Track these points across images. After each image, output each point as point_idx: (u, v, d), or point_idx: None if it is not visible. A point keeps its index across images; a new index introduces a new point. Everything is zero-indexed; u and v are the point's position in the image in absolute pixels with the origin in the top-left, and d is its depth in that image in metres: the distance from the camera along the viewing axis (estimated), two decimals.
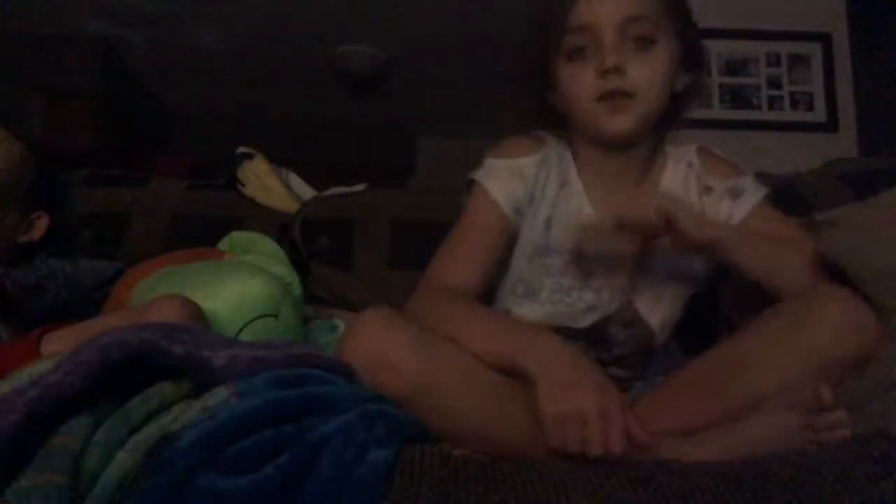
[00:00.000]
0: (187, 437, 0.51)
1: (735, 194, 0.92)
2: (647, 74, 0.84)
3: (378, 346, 0.68)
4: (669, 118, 0.92)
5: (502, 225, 0.91)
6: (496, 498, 0.51)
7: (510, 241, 0.93)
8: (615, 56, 0.83)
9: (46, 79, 3.11)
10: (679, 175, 0.95)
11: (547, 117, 0.95)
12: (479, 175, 0.94)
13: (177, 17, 3.13)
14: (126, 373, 0.58)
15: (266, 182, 1.48)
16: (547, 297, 0.93)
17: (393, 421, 0.58)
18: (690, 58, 0.90)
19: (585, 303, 0.92)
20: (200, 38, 3.32)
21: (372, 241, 1.36)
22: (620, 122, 0.85)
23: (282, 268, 1.03)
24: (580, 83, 0.86)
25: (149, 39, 3.32)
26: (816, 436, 0.65)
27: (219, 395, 0.57)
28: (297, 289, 1.04)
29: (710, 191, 0.94)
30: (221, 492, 0.48)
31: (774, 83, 2.02)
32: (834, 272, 0.84)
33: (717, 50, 2.02)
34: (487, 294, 0.94)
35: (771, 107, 2.02)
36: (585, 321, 0.92)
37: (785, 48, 2.03)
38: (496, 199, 0.91)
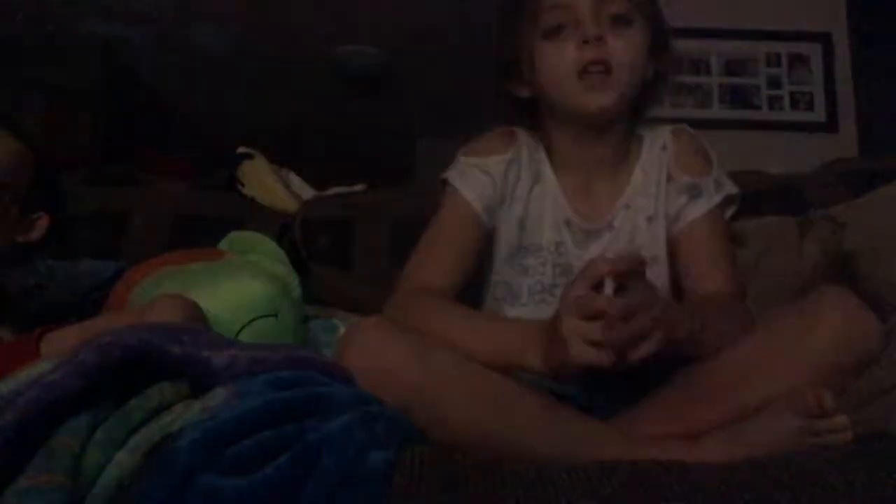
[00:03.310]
0: (187, 438, 0.51)
1: (693, 194, 0.92)
2: (625, 49, 0.85)
3: (377, 355, 0.67)
4: (640, 106, 0.93)
5: (475, 224, 0.92)
6: (496, 498, 0.51)
7: (485, 239, 0.93)
8: (595, 26, 0.83)
9: (46, 79, 3.11)
10: (654, 161, 0.94)
11: (520, 108, 0.95)
12: (451, 175, 0.94)
13: (177, 17, 3.13)
14: (126, 373, 0.58)
15: (266, 182, 1.48)
16: (528, 297, 0.92)
17: (393, 422, 0.58)
18: (659, 46, 0.91)
19: None
20: (200, 38, 3.32)
21: (372, 241, 1.36)
22: (600, 99, 0.86)
23: (281, 268, 1.03)
24: (560, 57, 0.86)
25: (149, 39, 3.32)
26: (818, 440, 0.65)
27: (219, 396, 0.57)
28: (296, 289, 1.04)
29: (670, 180, 0.94)
30: (221, 492, 0.48)
31: (774, 83, 2.02)
32: (841, 272, 0.84)
33: (717, 50, 2.02)
34: (473, 297, 0.94)
35: (771, 107, 2.02)
36: None
37: (785, 48, 2.03)
38: (467, 199, 0.91)
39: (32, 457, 0.48)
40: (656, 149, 0.95)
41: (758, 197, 1.33)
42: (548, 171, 0.95)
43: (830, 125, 2.00)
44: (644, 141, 0.96)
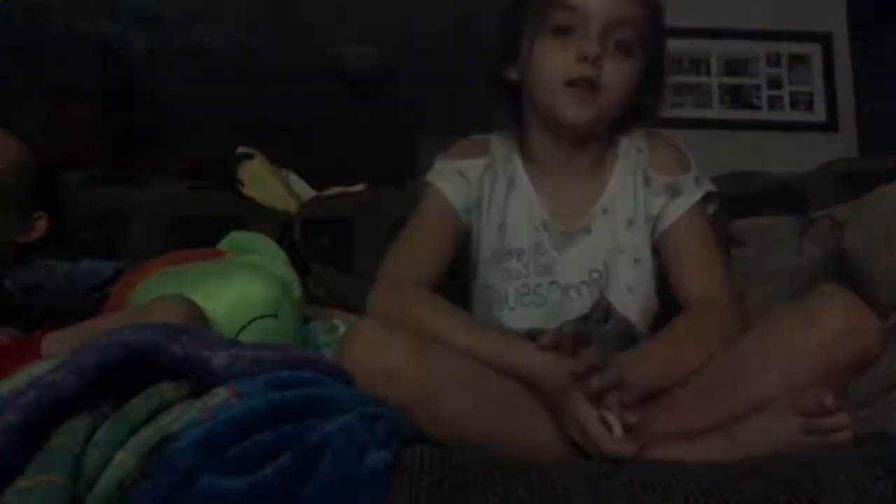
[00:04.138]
0: (187, 438, 0.51)
1: (673, 193, 0.92)
2: (617, 80, 0.86)
3: (375, 355, 0.68)
4: (623, 124, 0.94)
5: (454, 221, 0.94)
6: (496, 498, 0.51)
7: (463, 237, 0.95)
8: (598, 46, 0.84)
9: (46, 79, 3.11)
10: (629, 166, 0.95)
11: (505, 92, 0.96)
12: (430, 176, 0.97)
13: (177, 17, 3.13)
14: (126, 373, 0.58)
15: (266, 182, 1.48)
16: (515, 300, 0.92)
17: (393, 422, 0.58)
18: (651, 83, 0.92)
19: (553, 302, 0.92)
20: (200, 38, 3.32)
21: (372, 241, 1.36)
22: (578, 113, 0.87)
23: (282, 268, 1.03)
24: (556, 60, 0.86)
25: (149, 39, 3.32)
26: (818, 439, 0.65)
27: (219, 396, 0.57)
28: (297, 289, 1.04)
29: (648, 182, 0.94)
30: (221, 492, 0.48)
31: (774, 83, 2.02)
32: (841, 272, 0.84)
33: (717, 50, 2.02)
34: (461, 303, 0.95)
35: (771, 107, 2.01)
36: (562, 320, 0.91)
37: (785, 48, 2.02)
38: (447, 198, 0.94)
39: (32, 457, 0.48)
40: (632, 153, 0.95)
41: (758, 197, 1.33)
42: (522, 176, 0.96)
43: (830, 125, 2.00)
44: (620, 146, 0.96)
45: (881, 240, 0.89)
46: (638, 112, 0.93)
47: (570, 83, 0.85)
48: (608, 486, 0.52)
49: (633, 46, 0.86)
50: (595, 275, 0.92)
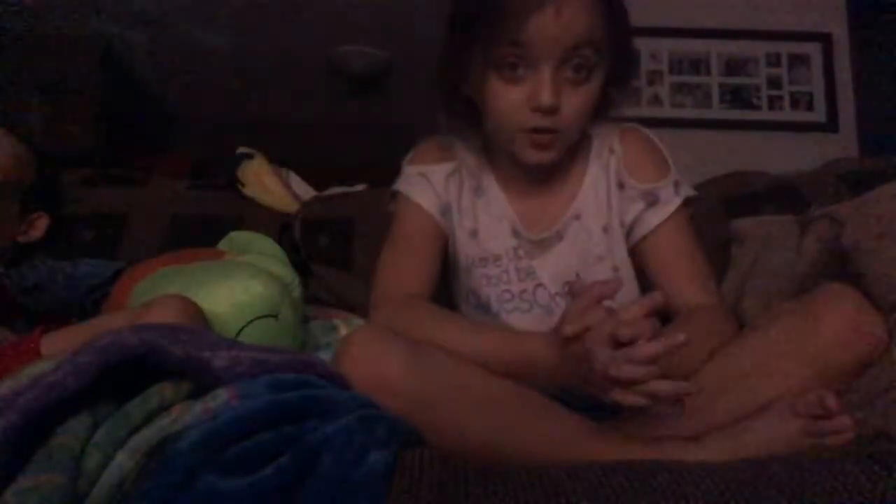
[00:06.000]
0: (187, 439, 0.51)
1: (650, 200, 0.88)
2: (579, 109, 0.80)
3: (373, 364, 0.66)
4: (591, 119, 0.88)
5: (434, 227, 0.92)
6: (496, 499, 0.51)
7: (445, 242, 0.93)
8: (552, 95, 0.77)
9: (46, 79, 3.11)
10: (601, 168, 0.91)
11: (459, 108, 0.89)
12: (399, 185, 0.95)
13: (177, 17, 3.13)
14: (126, 373, 0.57)
15: (266, 182, 1.48)
16: (498, 307, 0.91)
17: (393, 424, 0.58)
18: (623, 70, 0.86)
19: (540, 306, 0.90)
20: (200, 38, 3.32)
21: (372, 241, 1.36)
22: (541, 156, 0.83)
23: (282, 268, 1.03)
24: (509, 107, 0.81)
25: (149, 39, 3.32)
26: (819, 441, 0.65)
27: (219, 397, 0.57)
28: (296, 289, 1.04)
29: (623, 186, 0.90)
30: (222, 493, 0.48)
31: (774, 83, 2.02)
32: (843, 269, 0.84)
33: (717, 50, 2.02)
34: (449, 306, 0.94)
35: (771, 107, 2.01)
36: (550, 325, 0.91)
37: (785, 48, 2.02)
38: (419, 204, 0.92)
39: (32, 457, 0.48)
40: (604, 152, 0.91)
41: (758, 197, 1.33)
42: (491, 182, 0.93)
43: (830, 125, 2.00)
44: (592, 146, 0.92)
45: (881, 238, 0.89)
46: (607, 101, 0.88)
47: (530, 130, 0.81)
48: (608, 487, 0.52)
49: (592, 63, 0.79)
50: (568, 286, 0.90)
